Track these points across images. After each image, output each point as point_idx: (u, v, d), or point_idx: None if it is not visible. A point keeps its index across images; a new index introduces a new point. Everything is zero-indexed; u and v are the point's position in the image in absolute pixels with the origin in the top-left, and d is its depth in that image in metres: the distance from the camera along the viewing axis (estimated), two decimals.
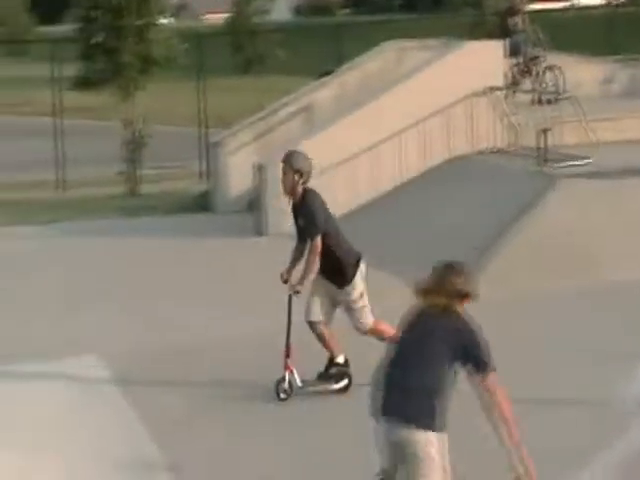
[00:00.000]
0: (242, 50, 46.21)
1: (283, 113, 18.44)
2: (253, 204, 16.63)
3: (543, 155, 15.42)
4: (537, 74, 18.69)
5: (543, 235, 13.31)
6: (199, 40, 23.64)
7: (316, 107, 18.48)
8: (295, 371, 9.20)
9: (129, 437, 8.56)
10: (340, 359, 9.32)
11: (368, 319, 9.28)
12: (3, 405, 9.23)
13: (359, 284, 9.23)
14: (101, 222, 17.22)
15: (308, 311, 9.28)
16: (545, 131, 15.56)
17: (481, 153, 16.71)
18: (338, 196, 16.07)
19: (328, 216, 9.38)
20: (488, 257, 13.03)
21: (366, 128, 16.23)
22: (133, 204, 18.80)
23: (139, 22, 22.90)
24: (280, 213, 16.01)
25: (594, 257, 13.03)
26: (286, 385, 9.16)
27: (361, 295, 9.24)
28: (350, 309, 9.30)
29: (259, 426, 8.75)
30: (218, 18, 69.27)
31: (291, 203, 9.52)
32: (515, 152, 16.36)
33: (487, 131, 16.83)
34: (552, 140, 15.60)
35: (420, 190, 16.02)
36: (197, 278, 13.60)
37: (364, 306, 9.27)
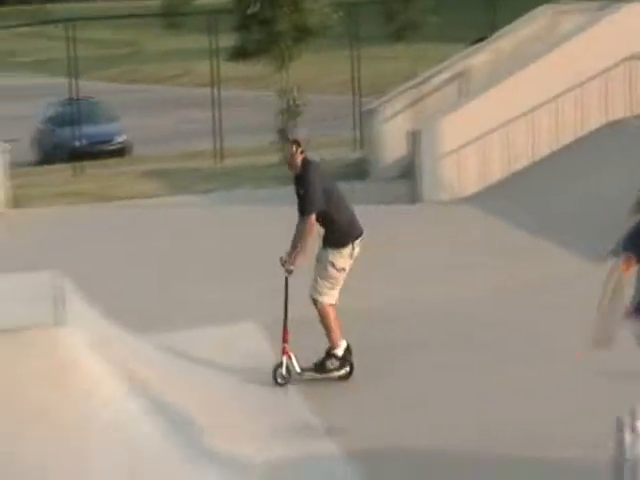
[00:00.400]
0: (394, 18, 45.98)
1: (437, 80, 18.35)
2: (407, 171, 16.63)
3: None
4: None
5: None
6: (352, 8, 23.67)
7: (470, 74, 18.32)
8: (294, 357, 8.93)
9: (287, 402, 8.70)
10: (339, 351, 8.95)
11: (326, 294, 8.86)
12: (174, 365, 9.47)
13: (345, 257, 8.86)
14: (258, 191, 17.48)
15: (313, 287, 8.93)
16: None
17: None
18: (494, 162, 16.01)
19: (329, 187, 9.08)
20: None
21: (521, 94, 16.04)
22: (288, 173, 18.97)
23: None
24: (435, 180, 16.04)
25: None
26: (284, 370, 8.90)
27: (339, 269, 8.84)
28: (319, 269, 8.90)
29: (418, 390, 8.79)
30: None
31: (293, 176, 9.31)
32: None
33: None
34: None
35: (577, 156, 15.76)
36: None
37: (333, 279, 8.85)
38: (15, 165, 18.96)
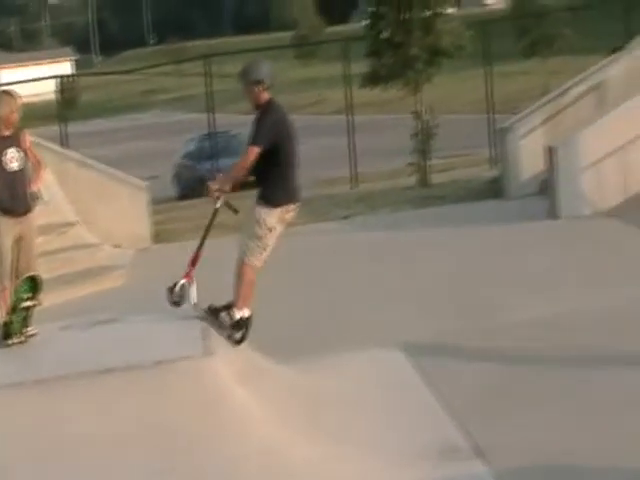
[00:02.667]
0: (527, 33, 45.59)
1: (573, 93, 18.13)
2: (545, 187, 16.45)
3: None
4: None
5: None
6: (484, 26, 23.58)
7: (607, 85, 18.04)
8: (194, 285, 8.56)
9: (434, 422, 8.68)
10: (237, 314, 8.47)
11: (251, 254, 8.49)
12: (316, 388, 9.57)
13: (274, 216, 8.48)
14: (395, 215, 17.51)
15: (240, 246, 8.59)
16: None
17: None
18: (634, 174, 15.69)
19: (284, 136, 8.55)
20: None
21: None
22: (424, 194, 19.00)
23: (426, 14, 23.08)
24: (574, 195, 15.80)
25: None
26: (177, 289, 8.58)
27: (269, 227, 8.48)
28: (248, 227, 8.58)
29: (569, 403, 8.67)
30: (497, 2, 68.82)
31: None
32: None
33: None
34: None
35: None
36: (500, 265, 13.57)
37: (261, 238, 8.49)
38: (157, 201, 19.40)
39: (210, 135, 23.34)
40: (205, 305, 8.69)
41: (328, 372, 9.83)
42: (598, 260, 13.15)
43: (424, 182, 20.16)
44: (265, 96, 8.60)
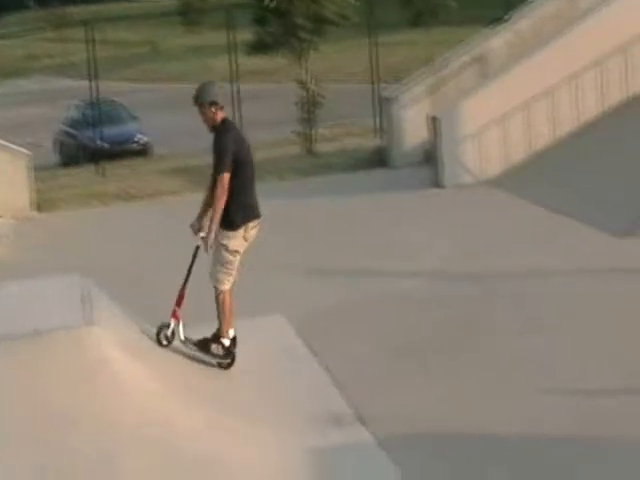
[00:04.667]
0: (412, 3, 45.81)
1: (455, 64, 18.30)
2: (429, 157, 16.61)
3: None
4: None
5: None
6: None
7: (489, 56, 18.26)
8: (181, 323, 8.79)
9: (319, 391, 8.73)
10: (226, 341, 8.82)
11: (222, 281, 8.72)
12: None
13: (238, 238, 8.69)
14: (280, 184, 17.50)
15: (211, 273, 8.77)
16: None
17: None
18: (513, 143, 15.96)
19: (241, 157, 8.72)
20: None
21: (541, 73, 15.98)
22: (310, 163, 19.03)
23: None
24: (457, 165, 16.01)
25: None
26: (169, 332, 8.75)
27: (232, 251, 8.69)
28: (215, 253, 8.69)
29: (449, 374, 8.80)
30: None
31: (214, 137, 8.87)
32: None
33: None
34: None
35: (598, 133, 15.69)
36: (382, 232, 13.70)
37: (228, 263, 8.70)
38: (39, 168, 19.04)
39: (92, 103, 22.95)
40: (193, 338, 8.87)
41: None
42: (480, 229, 13.35)
43: (310, 151, 20.19)
44: (221, 115, 8.78)
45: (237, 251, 8.73)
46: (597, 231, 12.47)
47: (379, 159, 18.34)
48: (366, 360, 9.31)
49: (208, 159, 9.03)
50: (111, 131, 23.78)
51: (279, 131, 21.50)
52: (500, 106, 15.88)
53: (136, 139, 25.44)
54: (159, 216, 16.13)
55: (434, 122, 16.15)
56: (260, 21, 23.68)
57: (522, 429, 7.69)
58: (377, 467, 7.40)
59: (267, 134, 21.93)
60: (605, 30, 16.04)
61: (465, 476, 7.15)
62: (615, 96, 16.24)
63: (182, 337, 8.83)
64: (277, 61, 25.85)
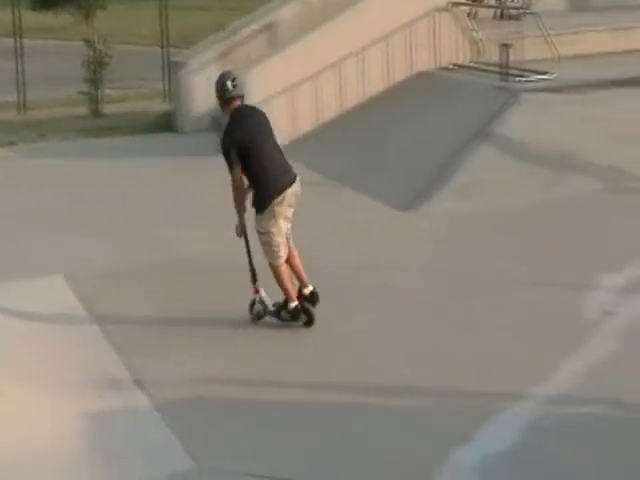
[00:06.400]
0: None
1: (246, 32, 18.31)
2: (216, 124, 16.58)
3: (506, 70, 15.46)
4: None
5: (509, 149, 13.41)
6: None
7: (279, 25, 18.36)
8: (263, 294, 9.09)
9: (97, 355, 8.65)
10: (292, 304, 9.00)
11: (271, 257, 8.96)
12: None
13: (266, 219, 8.91)
14: (64, 144, 17.14)
15: (263, 253, 9.03)
16: (507, 46, 15.58)
17: (444, 69, 16.74)
18: (301, 114, 16.13)
19: (249, 138, 8.94)
20: (454, 172, 13.13)
21: (329, 45, 16.18)
22: (96, 124, 18.71)
23: None
24: None
25: (561, 169, 13.15)
26: (257, 304, 9.10)
27: (265, 232, 8.92)
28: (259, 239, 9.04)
29: (226, 343, 8.87)
30: None
31: None
32: (478, 68, 16.39)
33: (450, 47, 16.84)
34: (514, 55, 15.63)
35: (384, 107, 16.04)
36: (168, 197, 13.62)
37: (268, 243, 8.93)
38: None
39: None
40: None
41: None
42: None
43: (96, 112, 19.82)
44: (232, 107, 9.10)
45: (269, 232, 8.87)
46: (377, 203, 12.76)
47: (167, 124, 18.20)
48: (145, 324, 9.28)
49: None
50: None
51: (65, 90, 21.00)
52: (288, 76, 16.01)
53: None
54: None
55: None
56: None
57: (298, 396, 7.84)
58: (154, 431, 7.40)
59: (52, 92, 21.41)
60: (390, 6, 16.37)
61: (238, 438, 7.23)
62: (400, 71, 16.62)
63: (271, 307, 9.07)
64: (66, 18, 25.29)
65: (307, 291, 9.19)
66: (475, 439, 6.97)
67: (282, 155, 9.20)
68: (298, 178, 9.15)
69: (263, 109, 16.33)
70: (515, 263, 10.47)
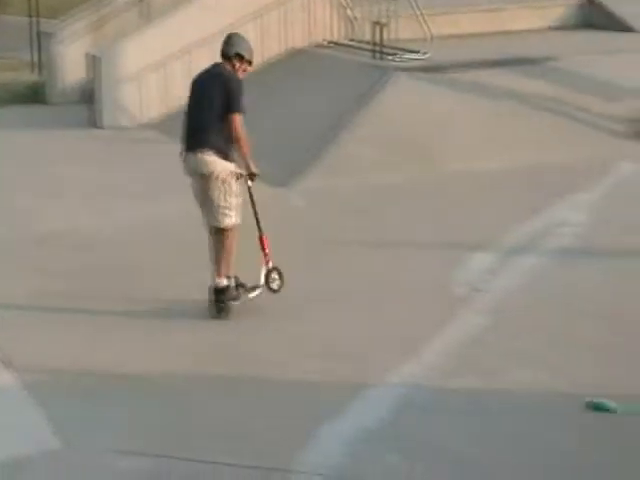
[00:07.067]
0: None
1: (118, 3, 18.01)
2: (88, 96, 16.32)
3: (379, 48, 15.55)
4: None
5: (381, 127, 13.52)
6: None
7: None
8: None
9: None
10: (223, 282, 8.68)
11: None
12: None
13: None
14: None
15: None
16: (381, 24, 15.68)
17: (317, 46, 16.76)
18: (175, 88, 15.97)
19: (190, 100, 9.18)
20: (327, 149, 13.17)
21: (202, 19, 16.06)
22: None
23: None
24: (115, 106, 15.83)
25: (434, 148, 13.31)
26: (276, 275, 8.90)
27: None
28: None
29: (93, 318, 8.76)
30: None
31: None
32: (351, 45, 16.46)
33: (324, 24, 16.88)
34: (388, 34, 15.74)
35: (257, 83, 15.95)
36: (39, 169, 13.35)
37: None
38: None
39: None
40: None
41: None
42: (139, 174, 13.29)
43: None
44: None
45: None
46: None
47: (36, 95, 17.81)
48: (13, 304, 9.09)
49: None
50: None
51: None
52: (160, 50, 15.84)
53: None
54: None
55: (93, 61, 15.86)
56: None
57: (160, 377, 7.80)
58: (22, 410, 7.28)
59: None
60: None
61: (110, 418, 7.16)
62: (275, 48, 16.59)
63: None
64: None
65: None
66: (344, 415, 7.01)
67: None
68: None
69: (135, 82, 16.27)
70: (377, 242, 10.56)
